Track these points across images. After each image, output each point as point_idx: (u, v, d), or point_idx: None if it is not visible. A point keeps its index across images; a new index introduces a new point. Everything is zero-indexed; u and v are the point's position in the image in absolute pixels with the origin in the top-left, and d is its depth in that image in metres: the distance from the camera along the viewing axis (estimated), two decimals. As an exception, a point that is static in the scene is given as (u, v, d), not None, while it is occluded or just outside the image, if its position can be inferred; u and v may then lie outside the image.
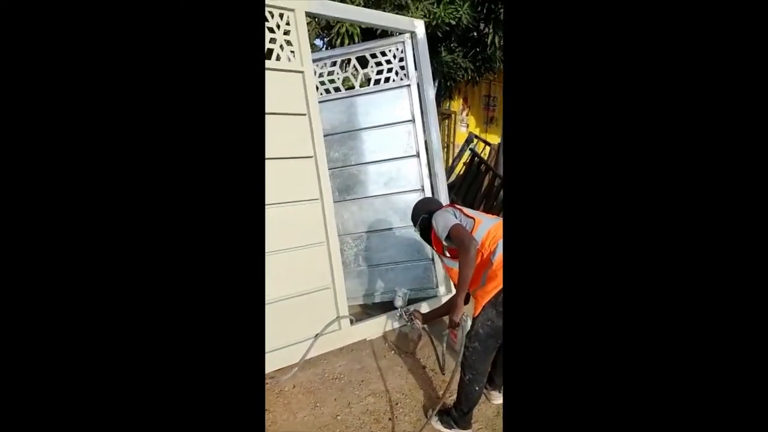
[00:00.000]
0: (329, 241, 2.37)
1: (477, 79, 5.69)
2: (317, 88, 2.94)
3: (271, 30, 2.18)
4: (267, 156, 2.03)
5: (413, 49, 2.85)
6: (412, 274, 2.98)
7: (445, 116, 7.18)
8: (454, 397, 1.86)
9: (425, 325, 2.29)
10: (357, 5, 3.74)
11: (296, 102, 2.27)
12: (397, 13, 3.83)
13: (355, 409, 2.01)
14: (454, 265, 1.81)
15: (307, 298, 2.29)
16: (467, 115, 7.58)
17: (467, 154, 4.89)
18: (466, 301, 1.79)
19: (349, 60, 3.00)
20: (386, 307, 2.85)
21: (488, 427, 1.94)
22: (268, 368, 2.12)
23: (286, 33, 2.23)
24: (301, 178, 2.29)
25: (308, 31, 3.65)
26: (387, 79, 2.94)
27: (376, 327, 2.58)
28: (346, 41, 3.88)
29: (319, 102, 2.61)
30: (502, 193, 3.86)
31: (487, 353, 1.75)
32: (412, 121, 2.91)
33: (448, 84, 5.72)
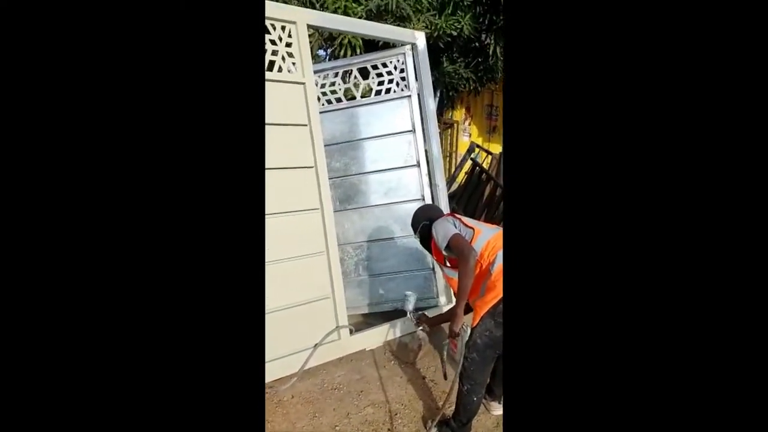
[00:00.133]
0: (329, 250, 2.38)
1: (479, 89, 5.73)
2: (319, 98, 2.97)
3: (273, 42, 2.21)
4: (268, 166, 2.05)
5: (414, 61, 2.88)
6: (413, 284, 2.98)
7: (447, 125, 7.21)
8: (454, 407, 1.86)
9: (426, 332, 2.29)
10: (359, 17, 3.79)
11: (297, 113, 2.29)
12: (399, 25, 3.88)
13: (354, 419, 2.00)
14: (455, 275, 1.81)
15: (306, 308, 2.29)
16: (470, 124, 7.61)
17: (469, 163, 4.90)
18: (467, 311, 1.79)
19: (351, 71, 3.04)
20: (387, 316, 2.84)
21: (487, 438, 1.93)
22: (268, 378, 2.12)
23: (288, 45, 2.26)
24: (302, 188, 2.31)
25: (311, 42, 3.71)
26: (388, 90, 2.97)
27: (376, 337, 2.57)
28: (349, 52, 3.93)
29: (321, 112, 2.64)
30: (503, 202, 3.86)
31: (486, 364, 1.75)
32: (413, 131, 2.93)
33: (450, 94, 5.75)
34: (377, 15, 3.91)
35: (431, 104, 2.91)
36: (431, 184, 2.94)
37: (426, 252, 2.91)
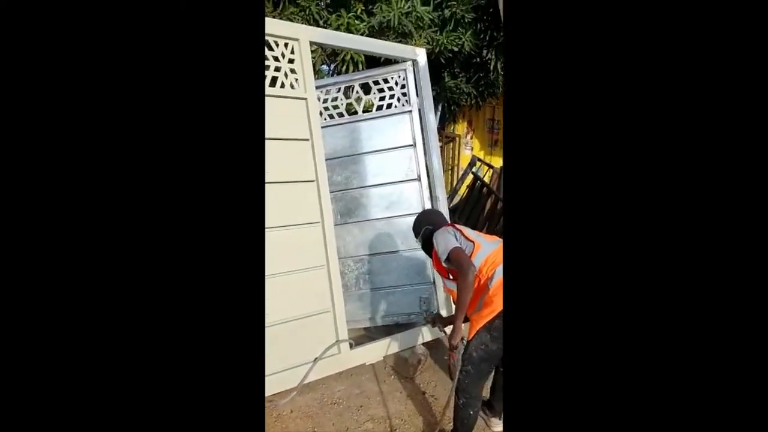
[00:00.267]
0: (330, 264, 2.38)
1: (480, 103, 5.78)
2: (321, 113, 3.01)
3: (276, 59, 2.26)
4: (270, 179, 2.07)
5: (415, 76, 2.92)
6: (414, 298, 2.97)
7: (449, 139, 7.25)
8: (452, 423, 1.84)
9: (442, 332, 2.27)
10: (361, 34, 3.85)
11: (299, 127, 2.32)
12: (400, 41, 3.94)
13: (353, 434, 1.99)
14: (454, 287, 1.82)
15: (306, 322, 2.29)
16: (471, 138, 7.65)
17: (470, 177, 4.92)
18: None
19: (353, 86, 3.08)
20: (387, 330, 2.83)
21: (487, 455, 1.90)
22: (267, 392, 2.11)
23: (291, 61, 2.30)
24: (303, 202, 2.32)
25: (315, 57, 3.76)
26: (389, 105, 3.00)
27: (376, 351, 2.56)
28: (351, 68, 3.98)
29: (323, 127, 2.66)
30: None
31: (480, 377, 1.75)
32: (414, 145, 2.95)
33: (452, 108, 5.81)
34: (379, 31, 3.98)
35: (432, 119, 2.94)
36: (432, 198, 2.96)
37: (427, 266, 2.94)
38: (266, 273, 2.02)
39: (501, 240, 1.87)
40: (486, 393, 2.08)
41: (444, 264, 1.85)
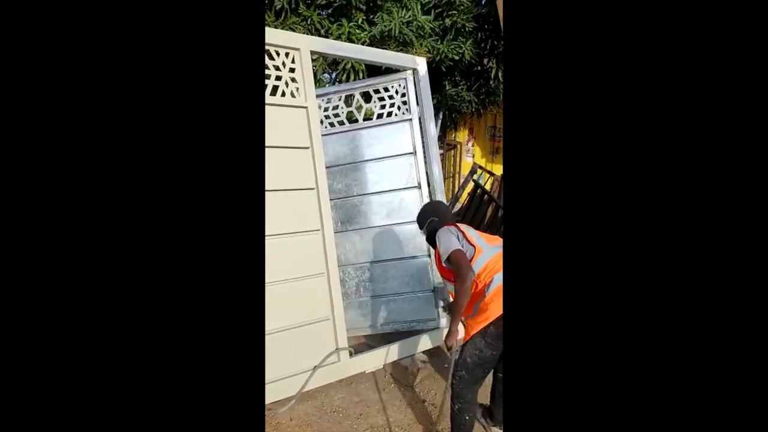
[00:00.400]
0: (329, 272, 2.38)
1: (481, 111, 5.82)
2: (322, 121, 3.03)
3: (277, 68, 2.28)
4: (270, 187, 2.08)
5: (415, 85, 2.94)
6: (414, 305, 2.97)
7: (450, 146, 7.28)
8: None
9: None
10: (363, 43, 3.89)
11: (300, 136, 2.34)
12: (401, 50, 3.97)
13: (352, 443, 1.98)
14: (453, 289, 1.82)
15: (306, 329, 2.29)
16: (473, 145, 7.68)
17: (471, 184, 4.92)
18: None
19: (354, 95, 3.10)
20: (387, 338, 2.83)
21: (487, 465, 1.89)
22: (266, 400, 2.11)
23: (292, 71, 2.33)
24: (303, 209, 2.33)
25: (316, 66, 3.80)
26: (390, 114, 3.02)
27: (376, 359, 2.55)
28: (352, 76, 4.02)
29: (324, 135, 2.68)
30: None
31: (474, 382, 1.75)
32: (414, 153, 2.97)
33: (453, 116, 5.84)
34: (380, 41, 4.01)
35: (432, 128, 2.95)
36: (432, 206, 2.96)
37: (427, 273, 2.94)
38: (266, 281, 2.03)
39: (502, 243, 1.87)
40: (486, 401, 2.07)
41: (444, 264, 1.86)
